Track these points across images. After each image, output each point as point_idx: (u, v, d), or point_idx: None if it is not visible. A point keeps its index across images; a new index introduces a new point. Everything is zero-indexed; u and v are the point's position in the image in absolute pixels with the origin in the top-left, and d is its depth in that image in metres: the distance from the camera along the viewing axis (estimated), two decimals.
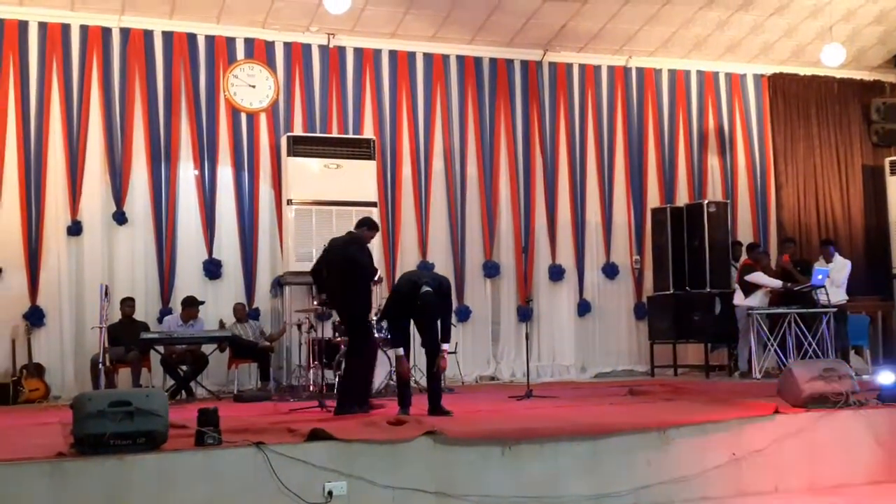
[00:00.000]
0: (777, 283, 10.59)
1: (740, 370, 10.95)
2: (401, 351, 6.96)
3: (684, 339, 12.01)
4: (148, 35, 11.12)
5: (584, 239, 12.68)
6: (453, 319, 7.96)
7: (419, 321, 7.15)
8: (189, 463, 5.01)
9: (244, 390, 10.41)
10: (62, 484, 4.73)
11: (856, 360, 11.13)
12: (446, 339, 7.05)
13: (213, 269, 11.14)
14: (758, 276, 10.62)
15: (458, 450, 5.52)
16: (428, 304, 6.77)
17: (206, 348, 10.11)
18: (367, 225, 7.76)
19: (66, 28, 10.84)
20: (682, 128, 13.31)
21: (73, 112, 10.82)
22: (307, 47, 11.77)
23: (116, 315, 10.18)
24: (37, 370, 10.15)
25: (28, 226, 10.53)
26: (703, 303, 11.62)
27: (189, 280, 11.01)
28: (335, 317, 10.51)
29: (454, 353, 10.32)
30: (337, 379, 7.77)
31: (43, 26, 10.77)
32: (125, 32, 11.03)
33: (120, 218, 10.87)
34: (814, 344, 10.07)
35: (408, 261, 11.67)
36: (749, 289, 10.66)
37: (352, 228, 7.96)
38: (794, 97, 13.72)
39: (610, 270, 12.81)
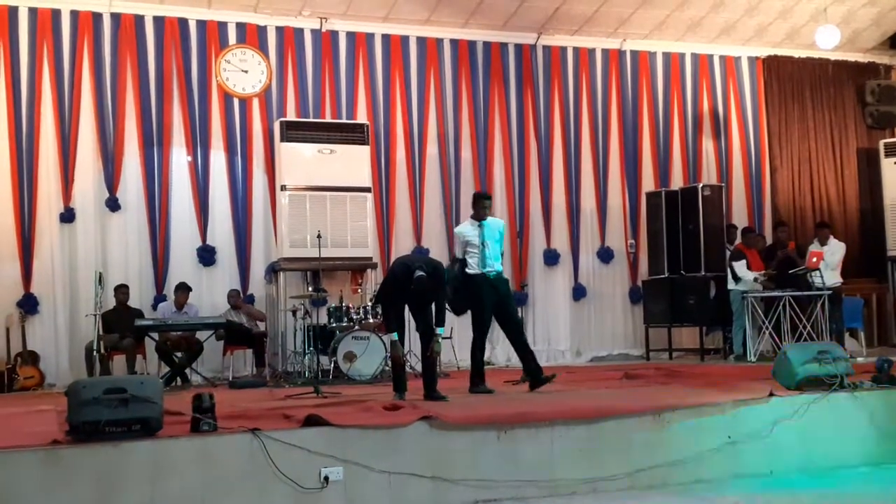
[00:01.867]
0: (750, 276, 10.59)
1: (735, 353, 10.97)
2: (395, 336, 6.95)
3: (679, 322, 12.01)
4: (139, 20, 11.05)
5: (578, 223, 12.66)
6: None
7: (413, 306, 7.15)
8: (185, 450, 5.01)
9: (239, 377, 10.40)
10: (57, 471, 4.73)
11: (850, 342, 11.15)
12: (440, 323, 7.05)
13: (206, 255, 11.11)
14: (738, 267, 10.67)
15: (454, 435, 5.52)
16: (421, 289, 6.77)
17: (202, 335, 10.09)
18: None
19: (56, 14, 10.77)
20: (677, 111, 13.29)
21: (65, 99, 10.75)
22: (299, 32, 11.70)
23: (110, 302, 10.15)
24: (31, 358, 10.13)
25: (21, 213, 10.48)
26: (698, 286, 11.62)
27: (183, 267, 10.98)
28: (330, 303, 10.53)
29: (449, 338, 10.32)
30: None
31: (33, 12, 10.69)
32: (116, 18, 10.96)
33: (113, 204, 10.82)
34: (808, 326, 10.08)
35: (402, 246, 11.65)
36: (735, 273, 10.73)
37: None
38: (788, 80, 13.70)
39: (605, 254, 12.80)
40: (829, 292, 10.31)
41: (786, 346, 8.08)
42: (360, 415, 5.81)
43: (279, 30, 11.62)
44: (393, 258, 11.00)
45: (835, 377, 6.53)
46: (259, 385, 9.47)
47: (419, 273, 6.76)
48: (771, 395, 6.34)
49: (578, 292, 12.62)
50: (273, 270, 11.27)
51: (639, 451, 5.82)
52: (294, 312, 9.98)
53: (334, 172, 11.04)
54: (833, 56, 13.68)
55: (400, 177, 11.95)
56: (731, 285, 10.84)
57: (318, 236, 9.57)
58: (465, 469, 5.45)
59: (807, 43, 13.03)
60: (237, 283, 11.12)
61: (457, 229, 8.21)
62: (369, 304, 10.20)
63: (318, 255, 9.51)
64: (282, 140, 10.98)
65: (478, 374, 7.76)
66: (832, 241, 11.20)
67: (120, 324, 9.85)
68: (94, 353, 8.87)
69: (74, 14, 10.82)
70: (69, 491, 4.71)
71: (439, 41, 12.29)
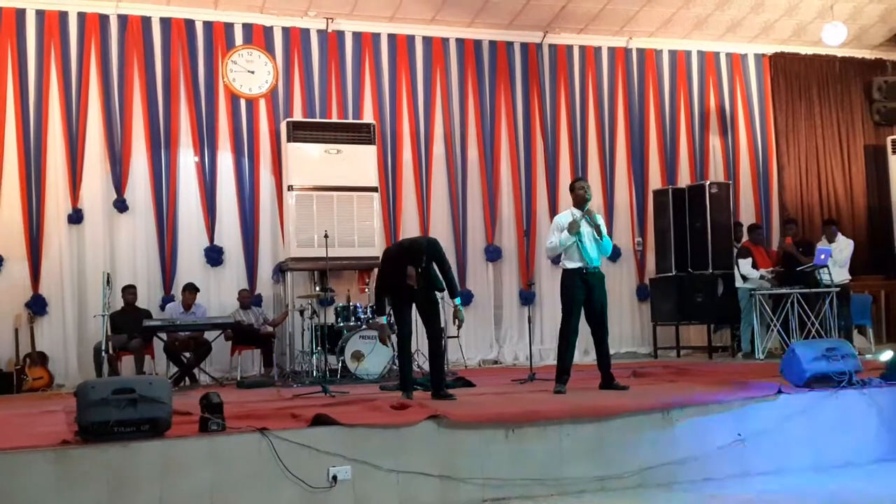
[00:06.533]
0: (756, 274, 10.57)
1: (743, 351, 10.96)
2: (384, 319, 7.10)
3: (687, 320, 11.99)
4: (146, 21, 11.08)
5: None
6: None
7: (420, 307, 7.13)
8: (193, 449, 5.02)
9: (247, 377, 10.42)
10: (67, 471, 4.74)
11: (859, 339, 11.13)
12: (454, 293, 7.10)
13: (214, 255, 11.13)
14: (743, 265, 10.64)
15: (462, 433, 5.53)
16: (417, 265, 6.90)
17: (210, 335, 10.11)
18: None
19: (63, 15, 10.80)
20: (684, 108, 13.27)
21: (72, 100, 10.78)
22: (306, 32, 11.72)
23: (118, 303, 10.16)
24: (40, 358, 10.15)
25: (29, 214, 10.51)
26: (706, 284, 11.61)
27: (190, 267, 11.01)
28: (337, 302, 10.54)
29: (457, 336, 10.33)
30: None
31: (40, 14, 10.72)
32: (123, 19, 10.99)
33: (120, 205, 10.85)
34: (817, 324, 10.05)
35: None
36: (741, 272, 10.72)
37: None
38: (795, 77, 13.67)
39: (612, 252, 12.75)
40: (838, 289, 10.28)
41: (794, 343, 8.07)
42: (368, 414, 5.82)
43: (285, 30, 11.64)
44: None
45: (843, 374, 6.52)
46: (267, 385, 9.48)
47: (409, 267, 6.88)
48: (779, 392, 6.34)
49: None
50: (280, 270, 11.29)
51: (647, 450, 5.82)
52: (301, 312, 9.99)
53: (341, 172, 11.04)
54: (840, 53, 13.67)
55: (406, 176, 11.95)
56: (738, 283, 10.83)
57: (325, 236, 9.59)
58: (473, 468, 5.45)
59: (813, 40, 13.02)
60: (245, 284, 11.13)
61: (556, 218, 7.65)
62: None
63: (325, 255, 9.52)
64: (288, 140, 10.99)
65: (562, 370, 7.28)
66: (840, 237, 11.17)
67: (128, 324, 9.86)
68: (103, 353, 8.90)
69: (81, 16, 10.85)
70: (78, 491, 4.73)
71: (445, 41, 12.29)
